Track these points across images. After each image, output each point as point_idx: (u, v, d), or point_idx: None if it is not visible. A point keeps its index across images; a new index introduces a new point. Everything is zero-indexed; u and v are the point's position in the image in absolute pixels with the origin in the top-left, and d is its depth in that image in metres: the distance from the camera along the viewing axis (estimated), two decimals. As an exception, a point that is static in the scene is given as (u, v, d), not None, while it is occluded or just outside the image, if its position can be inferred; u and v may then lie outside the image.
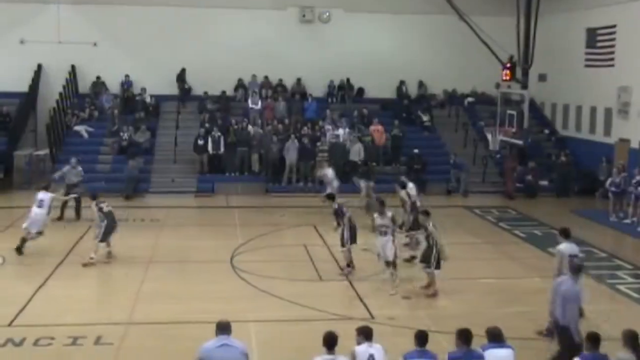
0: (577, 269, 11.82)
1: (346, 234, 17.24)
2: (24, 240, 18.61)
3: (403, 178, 21.56)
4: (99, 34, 32.70)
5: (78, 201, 22.96)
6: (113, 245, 18.46)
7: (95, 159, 28.95)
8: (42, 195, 19.22)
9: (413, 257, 18.19)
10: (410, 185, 20.30)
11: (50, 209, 19.56)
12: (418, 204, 19.35)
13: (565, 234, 13.28)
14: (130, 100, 32.46)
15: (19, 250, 18.49)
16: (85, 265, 17.72)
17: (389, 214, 16.44)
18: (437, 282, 15.92)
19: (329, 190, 23.79)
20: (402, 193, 19.51)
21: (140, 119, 31.15)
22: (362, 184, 23.87)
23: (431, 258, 15.69)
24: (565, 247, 13.03)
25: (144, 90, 32.58)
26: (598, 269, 17.88)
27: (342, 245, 17.38)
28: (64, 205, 22.74)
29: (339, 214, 17.99)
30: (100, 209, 18.19)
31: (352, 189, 24.94)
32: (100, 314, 14.31)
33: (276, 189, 28.55)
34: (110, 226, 18.21)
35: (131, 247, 19.13)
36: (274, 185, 28.88)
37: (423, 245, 18.39)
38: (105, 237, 18.11)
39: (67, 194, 22.92)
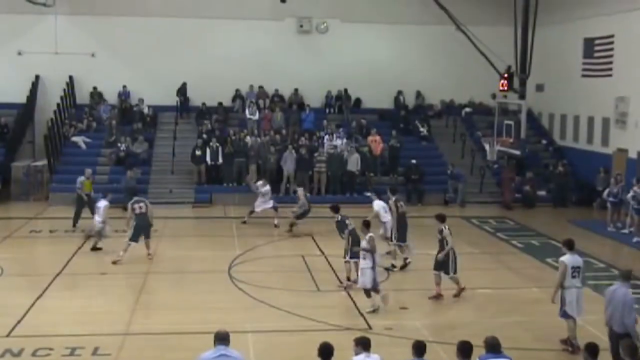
0: (627, 276, 11.94)
1: (347, 248, 16.96)
2: (95, 243, 20.30)
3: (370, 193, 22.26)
4: (96, 44, 32.76)
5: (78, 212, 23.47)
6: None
7: (93, 169, 28.71)
8: (100, 202, 20.39)
9: (394, 266, 18.36)
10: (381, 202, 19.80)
11: (104, 217, 20.16)
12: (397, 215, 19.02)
13: (569, 246, 13.28)
14: (128, 111, 32.49)
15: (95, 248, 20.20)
16: (114, 262, 18.78)
17: (367, 235, 15.29)
18: (440, 286, 16.12)
19: (259, 203, 24.54)
20: (392, 201, 19.28)
21: (137, 129, 31.17)
22: (300, 191, 24.12)
23: (449, 264, 15.91)
24: (568, 258, 13.06)
25: (141, 101, 32.63)
26: (596, 279, 17.83)
27: (344, 256, 17.23)
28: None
29: (340, 226, 17.85)
30: (133, 209, 19.10)
31: (291, 200, 25.66)
32: (98, 324, 14.26)
33: (273, 199, 28.40)
34: (139, 227, 19.00)
35: (129, 258, 19.07)
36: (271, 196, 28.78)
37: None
38: (135, 237, 18.99)
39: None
